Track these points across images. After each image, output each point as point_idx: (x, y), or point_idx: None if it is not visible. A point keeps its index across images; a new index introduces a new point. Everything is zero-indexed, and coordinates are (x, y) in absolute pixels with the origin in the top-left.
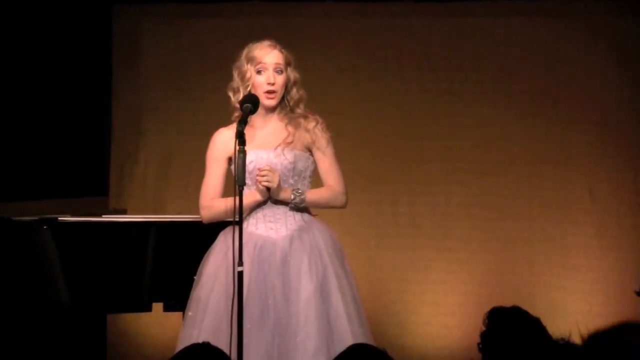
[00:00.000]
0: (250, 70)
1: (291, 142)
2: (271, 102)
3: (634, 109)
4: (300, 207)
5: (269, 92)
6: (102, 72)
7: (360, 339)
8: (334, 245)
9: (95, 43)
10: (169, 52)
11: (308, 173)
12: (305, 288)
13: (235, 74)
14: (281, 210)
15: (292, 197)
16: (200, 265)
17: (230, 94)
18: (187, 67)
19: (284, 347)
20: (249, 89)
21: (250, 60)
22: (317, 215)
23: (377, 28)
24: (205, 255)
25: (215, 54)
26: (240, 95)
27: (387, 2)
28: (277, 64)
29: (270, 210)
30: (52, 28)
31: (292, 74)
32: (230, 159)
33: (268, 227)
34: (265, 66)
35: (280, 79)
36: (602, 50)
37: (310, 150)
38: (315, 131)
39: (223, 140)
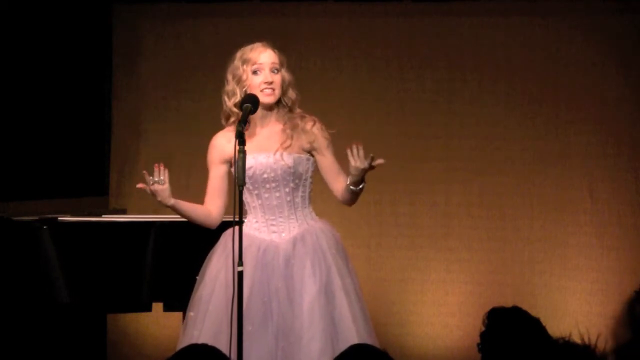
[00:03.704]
0: (246, 71)
1: (289, 146)
2: (270, 99)
3: (634, 108)
4: (304, 209)
5: (266, 91)
6: (102, 72)
7: (365, 339)
8: (337, 246)
9: (95, 43)
10: (169, 52)
11: (309, 175)
12: (309, 290)
13: (230, 78)
14: (284, 213)
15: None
16: (203, 266)
17: (226, 98)
18: (187, 67)
19: (288, 350)
20: (245, 90)
21: (245, 61)
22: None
23: (377, 28)
24: (208, 256)
25: (215, 54)
26: (237, 98)
27: (387, 2)
28: (273, 63)
29: (272, 214)
30: (52, 28)
31: (287, 75)
32: (227, 162)
33: (270, 231)
34: (261, 66)
35: (277, 78)
36: (602, 50)
37: (309, 152)
38: (313, 131)
39: (219, 144)
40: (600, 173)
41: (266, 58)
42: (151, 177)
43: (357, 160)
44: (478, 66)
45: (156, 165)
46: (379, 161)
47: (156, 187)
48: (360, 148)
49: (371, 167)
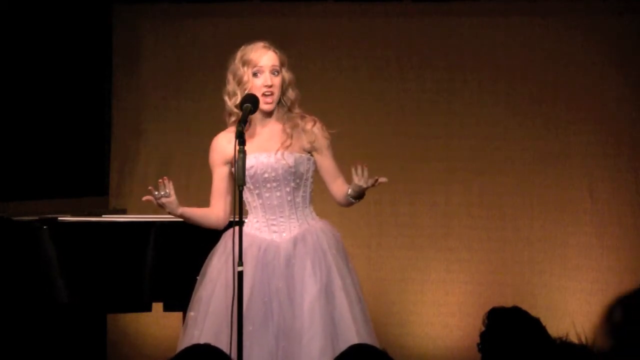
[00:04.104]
0: (247, 73)
1: (290, 145)
2: (269, 107)
3: (634, 108)
4: (305, 209)
5: (266, 95)
6: (102, 72)
7: (365, 339)
8: (337, 246)
9: (95, 43)
10: (169, 52)
11: (310, 174)
12: (310, 290)
13: (231, 78)
14: (285, 213)
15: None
16: (204, 266)
17: (226, 98)
18: (187, 67)
19: (289, 350)
20: (245, 91)
21: (246, 63)
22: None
23: (377, 28)
24: (209, 255)
25: (215, 54)
26: (237, 99)
27: (387, 2)
28: (273, 66)
29: (273, 214)
30: (52, 28)
31: (287, 75)
32: (229, 163)
33: (271, 231)
34: (262, 69)
35: (277, 81)
36: (602, 50)
37: (309, 152)
38: (313, 131)
39: (220, 145)
40: (600, 173)
41: (267, 61)
42: (157, 192)
43: (361, 179)
44: (478, 66)
45: (160, 180)
46: (382, 180)
47: (163, 200)
48: (366, 169)
49: (373, 185)
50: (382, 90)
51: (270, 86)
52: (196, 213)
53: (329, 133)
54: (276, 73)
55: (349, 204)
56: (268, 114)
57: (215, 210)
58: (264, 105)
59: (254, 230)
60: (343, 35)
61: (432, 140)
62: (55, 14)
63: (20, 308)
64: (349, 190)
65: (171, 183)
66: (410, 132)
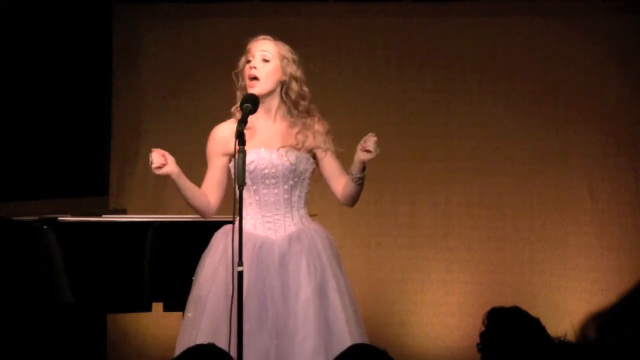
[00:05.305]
0: (242, 61)
1: (294, 143)
2: (253, 90)
3: (634, 109)
4: (300, 210)
5: (250, 78)
6: (102, 72)
7: (358, 340)
8: (331, 247)
9: (95, 43)
10: (169, 52)
11: (308, 175)
12: (304, 289)
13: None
14: (280, 211)
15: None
16: (198, 265)
17: (238, 94)
18: (187, 67)
19: (282, 348)
20: (244, 83)
21: (245, 53)
22: (316, 215)
23: (377, 28)
24: (203, 255)
25: (215, 54)
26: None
27: (387, 2)
28: (262, 50)
29: (269, 211)
30: (52, 28)
31: (290, 68)
32: (227, 155)
33: (266, 228)
34: (252, 54)
35: (265, 66)
36: (602, 50)
37: (312, 150)
38: (318, 129)
39: (221, 136)
40: (600, 173)
41: (258, 46)
42: (151, 162)
43: (366, 149)
44: (478, 66)
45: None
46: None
47: (157, 171)
48: (373, 140)
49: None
50: (382, 90)
51: (254, 67)
52: (192, 189)
53: (332, 132)
54: (266, 60)
55: (354, 191)
56: (272, 104)
57: (208, 198)
58: (249, 88)
59: (248, 227)
60: (343, 35)
61: (432, 140)
62: (55, 14)
63: (20, 308)
64: (351, 172)
65: (158, 152)
66: (410, 132)
